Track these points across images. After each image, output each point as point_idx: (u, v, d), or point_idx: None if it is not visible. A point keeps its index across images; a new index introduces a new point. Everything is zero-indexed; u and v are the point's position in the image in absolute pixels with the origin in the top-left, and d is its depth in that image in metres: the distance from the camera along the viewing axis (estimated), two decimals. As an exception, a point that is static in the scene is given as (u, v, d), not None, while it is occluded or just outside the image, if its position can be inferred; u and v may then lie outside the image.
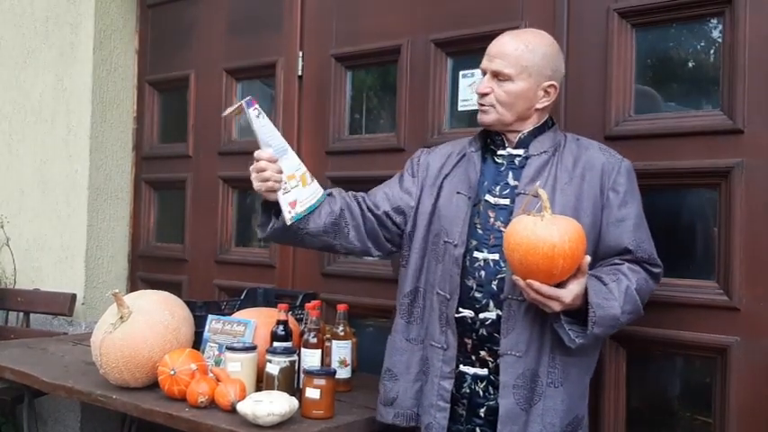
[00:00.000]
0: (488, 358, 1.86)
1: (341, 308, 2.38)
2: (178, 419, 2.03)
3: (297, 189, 1.95)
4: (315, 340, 2.25)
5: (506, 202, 1.88)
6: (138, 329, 2.23)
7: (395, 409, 1.98)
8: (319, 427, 1.97)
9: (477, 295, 1.86)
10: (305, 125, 3.07)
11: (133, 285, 3.71)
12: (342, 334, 2.33)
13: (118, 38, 3.71)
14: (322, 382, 2.03)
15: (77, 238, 3.60)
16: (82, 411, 3.36)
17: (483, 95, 1.90)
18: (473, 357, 1.88)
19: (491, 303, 1.85)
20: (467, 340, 1.88)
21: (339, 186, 2.90)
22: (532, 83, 1.88)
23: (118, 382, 2.26)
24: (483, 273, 1.86)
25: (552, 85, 1.91)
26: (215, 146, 3.39)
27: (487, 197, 1.91)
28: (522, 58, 1.86)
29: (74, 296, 3.47)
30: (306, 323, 2.32)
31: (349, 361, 2.34)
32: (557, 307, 1.69)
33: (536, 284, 1.65)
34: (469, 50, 2.59)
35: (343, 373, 2.30)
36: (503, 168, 1.93)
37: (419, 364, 1.96)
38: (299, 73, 3.08)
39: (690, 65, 2.24)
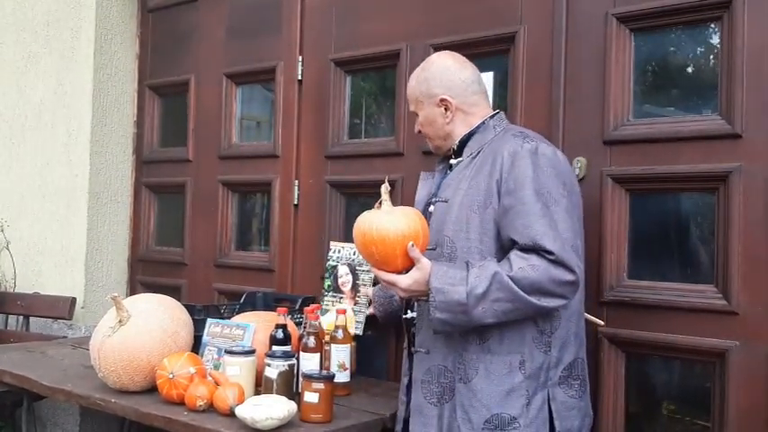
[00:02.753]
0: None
1: (340, 312, 2.38)
2: (176, 423, 2.03)
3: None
4: (314, 344, 2.25)
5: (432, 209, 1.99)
6: (137, 333, 2.23)
7: None
8: (318, 431, 1.97)
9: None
10: (304, 129, 3.07)
11: (133, 289, 3.72)
12: (341, 338, 2.33)
13: (118, 42, 3.72)
14: (320, 386, 2.03)
15: (77, 241, 3.61)
16: (81, 415, 3.36)
17: (419, 133, 2.09)
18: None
19: (415, 304, 1.97)
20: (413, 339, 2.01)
21: (336, 189, 2.94)
22: (427, 107, 2.02)
23: (116, 386, 2.26)
24: None
25: (442, 100, 1.98)
26: (215, 150, 3.40)
27: (431, 209, 2.00)
28: (413, 93, 2.05)
29: (73, 300, 3.47)
30: (305, 327, 2.32)
31: (348, 365, 2.34)
32: (399, 292, 1.80)
33: (374, 270, 1.79)
34: (469, 55, 2.57)
35: (342, 377, 2.30)
36: (444, 178, 2.04)
37: None
38: (299, 77, 3.09)
39: (688, 69, 2.24)
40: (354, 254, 2.70)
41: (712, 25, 2.16)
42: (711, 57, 2.18)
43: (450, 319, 1.75)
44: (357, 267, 2.68)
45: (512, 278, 1.72)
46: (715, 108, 2.12)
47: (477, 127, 1.99)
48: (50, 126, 3.75)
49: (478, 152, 1.94)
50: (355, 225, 1.81)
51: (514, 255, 1.76)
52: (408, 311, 2.05)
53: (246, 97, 3.45)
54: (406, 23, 2.76)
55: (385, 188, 1.84)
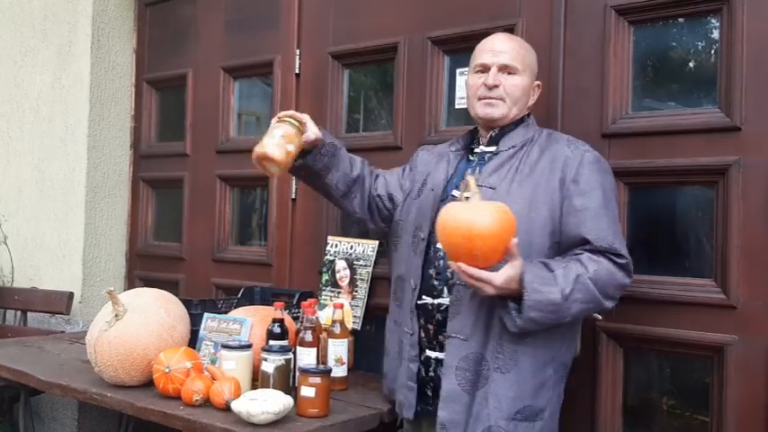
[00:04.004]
0: (444, 342, 1.92)
1: (337, 306, 2.37)
2: (173, 418, 2.02)
3: None
4: (311, 338, 2.24)
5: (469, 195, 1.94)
6: (133, 327, 2.22)
7: (384, 384, 2.19)
8: (314, 425, 1.96)
9: (435, 283, 1.96)
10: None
11: (131, 284, 3.71)
12: (338, 332, 2.32)
13: (116, 36, 3.70)
14: (317, 380, 2.02)
15: (75, 236, 3.60)
16: (79, 410, 3.35)
17: (493, 88, 1.95)
18: (434, 342, 1.97)
19: (445, 290, 1.94)
20: (429, 326, 1.98)
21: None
22: (530, 80, 2.01)
23: (113, 381, 2.25)
24: (441, 262, 1.96)
25: (538, 85, 2.05)
26: (213, 144, 3.38)
27: (454, 192, 1.99)
28: (525, 55, 1.99)
29: (71, 294, 3.46)
30: (302, 321, 2.31)
31: (345, 359, 2.33)
32: (489, 290, 1.72)
33: (463, 266, 1.70)
34: (467, 48, 2.56)
35: (339, 372, 2.29)
36: (473, 165, 2.01)
37: (398, 345, 2.08)
38: (297, 71, 3.07)
39: (687, 62, 2.23)
40: (351, 248, 2.69)
41: (712, 17, 2.14)
42: (711, 49, 2.16)
43: (539, 318, 1.75)
44: (354, 262, 2.67)
45: (593, 280, 1.78)
46: (714, 101, 2.11)
47: (522, 119, 2.01)
48: (48, 120, 3.74)
49: (522, 146, 1.96)
50: (454, 218, 1.71)
51: (587, 257, 1.81)
52: (424, 296, 1.97)
53: (246, 93, 3.44)
54: (404, 16, 2.74)
55: (474, 180, 1.77)
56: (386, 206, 2.21)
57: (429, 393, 1.98)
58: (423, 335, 1.99)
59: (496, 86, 1.94)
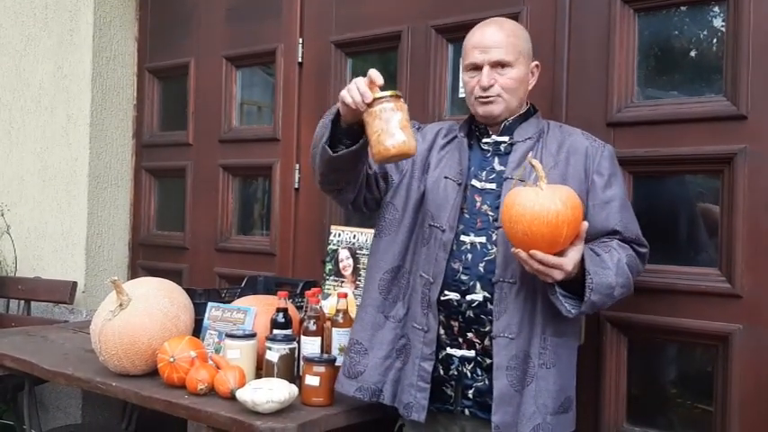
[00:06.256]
0: (475, 340, 1.86)
1: (341, 295, 2.36)
2: (177, 406, 2.03)
3: None
4: (315, 328, 2.23)
5: (493, 186, 1.90)
6: (137, 317, 2.23)
7: (358, 383, 1.97)
8: (319, 414, 1.97)
9: (464, 278, 1.86)
10: (305, 112, 3.05)
11: (134, 273, 3.71)
12: (342, 321, 2.32)
13: (117, 25, 3.69)
14: (322, 369, 2.02)
15: (78, 226, 3.60)
16: (83, 399, 3.36)
17: (488, 87, 1.88)
18: (460, 339, 1.88)
19: (478, 285, 1.85)
20: (453, 323, 1.89)
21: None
22: (525, 67, 1.94)
23: (117, 370, 2.25)
24: (470, 255, 1.87)
25: (537, 65, 1.97)
26: (215, 133, 3.38)
27: (474, 182, 1.92)
28: (516, 44, 1.90)
29: (74, 284, 3.47)
30: (306, 311, 2.31)
31: (349, 348, 2.33)
32: (558, 276, 1.68)
33: (539, 255, 1.65)
34: (471, 36, 2.57)
35: (343, 361, 2.29)
36: (489, 155, 1.95)
37: (393, 342, 1.96)
38: (299, 60, 3.06)
39: (693, 50, 2.22)
40: (354, 238, 2.69)
41: (717, 5, 2.13)
42: (716, 37, 2.15)
43: (598, 301, 1.76)
44: (358, 251, 2.67)
45: (628, 266, 1.82)
46: (720, 89, 2.10)
47: (532, 111, 1.97)
48: (50, 110, 3.73)
49: (538, 137, 1.92)
50: (522, 204, 1.65)
51: (617, 244, 1.84)
52: (447, 292, 1.87)
53: (248, 82, 3.43)
54: (408, 5, 2.73)
55: (539, 164, 1.71)
56: (379, 186, 2.00)
57: (450, 393, 1.90)
58: (442, 332, 1.89)
59: (491, 86, 1.88)
